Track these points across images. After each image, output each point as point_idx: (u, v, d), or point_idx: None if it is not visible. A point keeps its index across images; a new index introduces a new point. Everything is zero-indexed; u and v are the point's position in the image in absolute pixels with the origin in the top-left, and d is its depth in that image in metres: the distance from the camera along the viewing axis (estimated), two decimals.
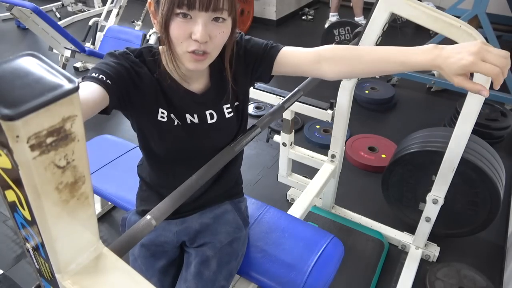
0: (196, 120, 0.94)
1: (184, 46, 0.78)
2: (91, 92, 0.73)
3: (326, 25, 3.97)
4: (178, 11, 0.74)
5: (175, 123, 0.92)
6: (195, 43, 0.77)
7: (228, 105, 0.97)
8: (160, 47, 0.88)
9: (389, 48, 0.82)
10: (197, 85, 0.93)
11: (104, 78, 0.76)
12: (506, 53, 0.70)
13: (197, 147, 0.95)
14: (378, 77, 3.08)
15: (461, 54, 0.71)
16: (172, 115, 0.91)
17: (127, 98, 0.83)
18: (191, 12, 0.74)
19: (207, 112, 0.95)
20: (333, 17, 4.18)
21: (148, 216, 0.68)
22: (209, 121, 0.95)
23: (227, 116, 0.97)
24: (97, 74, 0.76)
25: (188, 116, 0.93)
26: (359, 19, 3.96)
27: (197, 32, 0.75)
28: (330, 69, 0.87)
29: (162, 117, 0.90)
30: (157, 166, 1.02)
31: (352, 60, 0.86)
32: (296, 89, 1.13)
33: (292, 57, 0.92)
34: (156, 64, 0.87)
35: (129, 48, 0.87)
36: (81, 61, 3.35)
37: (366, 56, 0.84)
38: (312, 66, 0.88)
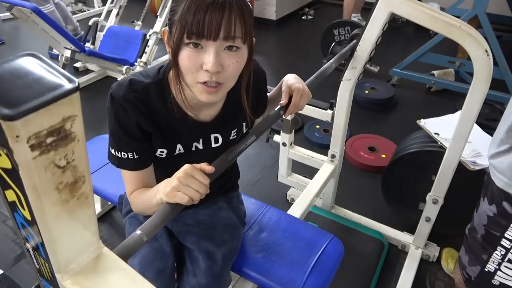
0: (201, 146, 0.95)
1: (195, 77, 0.75)
2: (146, 177, 0.90)
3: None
4: (188, 40, 0.72)
5: (178, 153, 0.93)
6: (206, 74, 0.73)
7: (236, 129, 0.98)
8: (170, 75, 0.86)
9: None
10: (207, 114, 0.92)
11: (135, 155, 0.86)
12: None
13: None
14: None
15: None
16: (178, 146, 0.92)
17: (150, 141, 0.89)
18: (201, 42, 0.71)
19: (212, 136, 0.95)
20: (354, 18, 4.05)
21: (138, 232, 0.66)
22: (213, 145, 0.96)
23: (231, 138, 0.99)
24: (125, 155, 0.85)
25: (195, 144, 0.94)
26: (356, 15, 3.89)
27: (208, 63, 0.72)
28: None
29: (160, 154, 0.92)
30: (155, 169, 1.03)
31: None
32: None
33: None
34: (164, 97, 0.85)
35: (133, 85, 0.83)
36: (81, 61, 3.35)
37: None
38: None
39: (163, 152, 0.92)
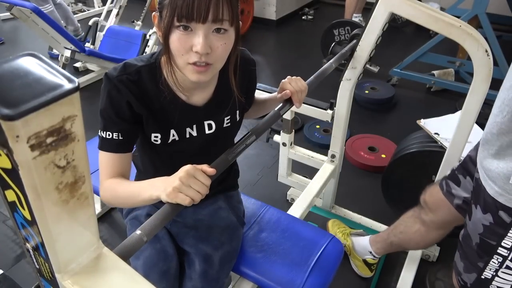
0: (194, 133, 0.96)
1: (186, 58, 0.78)
2: (124, 163, 0.89)
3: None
4: (178, 23, 0.74)
5: (172, 139, 0.94)
6: (196, 55, 0.76)
7: (229, 116, 1.00)
8: (162, 59, 0.88)
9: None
10: (198, 97, 0.94)
11: (120, 137, 0.86)
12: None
13: (194, 157, 0.96)
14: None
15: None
16: (172, 131, 0.93)
17: (137, 125, 0.89)
18: (191, 24, 0.74)
19: (206, 123, 0.97)
20: (355, 19, 4.04)
21: (138, 232, 0.66)
22: (207, 131, 0.98)
23: (225, 125, 1.00)
24: (110, 135, 0.86)
25: (188, 130, 0.95)
26: (357, 15, 3.89)
27: (197, 44, 0.75)
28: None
29: (155, 140, 0.93)
30: (152, 160, 1.04)
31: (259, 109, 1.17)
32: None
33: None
34: (155, 79, 0.88)
35: (126, 68, 0.86)
36: (81, 61, 3.35)
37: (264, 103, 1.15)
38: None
39: (157, 137, 0.93)
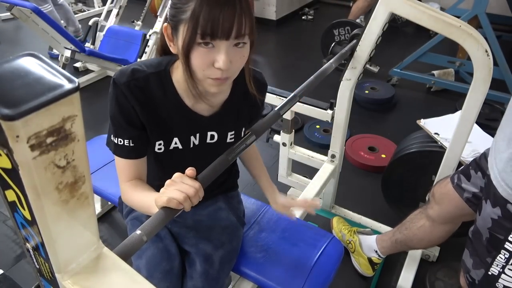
0: (197, 142, 0.96)
1: (207, 73, 0.78)
2: (138, 167, 0.91)
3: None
4: (201, 41, 0.73)
5: (174, 146, 0.94)
6: (218, 71, 0.76)
7: (233, 132, 1.00)
8: (173, 68, 0.88)
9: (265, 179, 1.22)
10: (206, 107, 0.93)
11: (131, 144, 0.87)
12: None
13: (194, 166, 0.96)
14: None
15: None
16: (175, 139, 0.93)
17: (146, 130, 0.90)
18: (214, 41, 0.73)
19: (209, 133, 0.97)
20: (357, 19, 4.00)
21: (138, 232, 0.66)
22: (208, 140, 0.98)
23: (228, 140, 1.00)
24: (121, 141, 0.87)
25: (192, 138, 0.95)
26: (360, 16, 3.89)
27: (220, 61, 0.74)
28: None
29: (159, 149, 0.93)
30: (151, 166, 1.03)
31: (249, 165, 1.23)
32: (292, 94, 1.10)
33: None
34: (164, 87, 0.87)
35: (134, 73, 0.85)
36: (81, 61, 3.35)
37: (253, 169, 1.23)
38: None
39: (160, 144, 0.93)
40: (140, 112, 0.86)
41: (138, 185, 0.90)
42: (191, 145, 0.96)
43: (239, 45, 0.76)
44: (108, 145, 0.92)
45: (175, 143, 0.94)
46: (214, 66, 0.76)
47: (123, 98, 0.84)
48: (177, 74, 0.87)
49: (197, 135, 0.96)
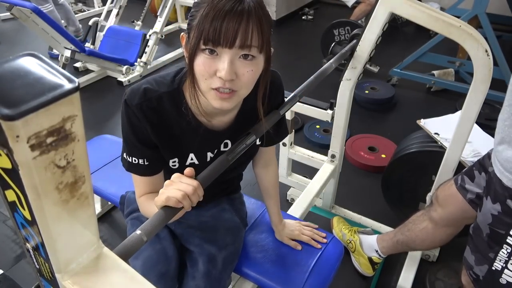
0: (213, 155, 0.96)
1: (209, 83, 0.75)
2: (155, 183, 0.91)
3: None
4: (204, 47, 0.72)
5: (190, 162, 0.94)
6: (219, 80, 0.73)
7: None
8: (186, 83, 0.86)
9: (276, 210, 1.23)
10: (220, 122, 0.92)
11: (146, 162, 0.87)
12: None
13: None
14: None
15: None
16: (191, 155, 0.93)
17: (158, 149, 0.89)
18: (217, 49, 0.71)
19: (223, 142, 0.96)
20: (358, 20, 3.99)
21: (138, 232, 0.66)
22: (222, 149, 0.97)
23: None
24: (136, 160, 0.87)
25: (208, 154, 0.95)
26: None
27: (222, 70, 0.71)
28: (260, 178, 1.20)
29: (173, 165, 0.93)
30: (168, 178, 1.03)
31: (264, 190, 1.22)
32: (292, 94, 1.09)
33: (261, 150, 1.11)
34: (177, 105, 0.86)
35: (147, 94, 0.83)
36: (81, 61, 3.35)
37: (268, 199, 1.22)
38: (259, 164, 1.17)
39: (175, 162, 0.92)
40: (152, 132, 0.85)
41: (152, 197, 0.89)
42: (208, 159, 0.96)
43: (247, 57, 0.73)
44: (123, 163, 0.91)
45: (191, 159, 0.94)
46: (216, 76, 0.73)
47: (136, 119, 0.83)
48: (189, 90, 0.86)
49: (215, 150, 0.96)
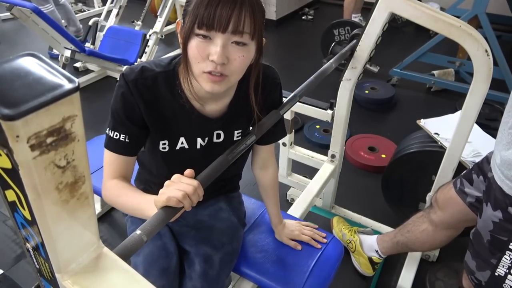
0: (204, 143, 0.97)
1: (202, 66, 0.77)
2: (127, 165, 0.90)
3: None
4: (198, 31, 0.74)
5: (180, 146, 0.94)
6: (211, 64, 0.76)
7: (240, 130, 1.00)
8: (181, 67, 0.88)
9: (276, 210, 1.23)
10: (213, 108, 0.93)
11: (127, 139, 0.87)
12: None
13: (197, 166, 0.95)
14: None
15: None
16: (182, 139, 0.93)
17: (146, 131, 0.90)
18: (210, 33, 0.74)
19: (215, 132, 0.97)
20: (355, 18, 4.01)
21: (138, 231, 0.66)
22: (215, 140, 0.98)
23: (235, 138, 1.00)
24: (117, 136, 0.86)
25: (199, 140, 0.96)
26: (356, 15, 3.89)
27: (214, 53, 0.74)
28: (258, 179, 1.19)
29: (163, 148, 0.94)
30: (155, 163, 1.03)
31: (263, 191, 1.21)
32: (292, 94, 1.10)
33: (258, 149, 1.12)
34: (171, 86, 0.88)
35: (143, 72, 0.86)
36: (81, 61, 3.35)
37: (267, 200, 1.22)
38: (257, 165, 1.16)
39: (165, 144, 0.93)
40: (145, 110, 0.86)
41: (126, 187, 0.89)
42: (198, 146, 0.96)
43: (239, 44, 0.76)
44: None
45: (182, 143, 0.94)
46: (209, 59, 0.76)
47: (129, 94, 0.85)
48: (183, 73, 0.87)
49: (206, 138, 0.96)
